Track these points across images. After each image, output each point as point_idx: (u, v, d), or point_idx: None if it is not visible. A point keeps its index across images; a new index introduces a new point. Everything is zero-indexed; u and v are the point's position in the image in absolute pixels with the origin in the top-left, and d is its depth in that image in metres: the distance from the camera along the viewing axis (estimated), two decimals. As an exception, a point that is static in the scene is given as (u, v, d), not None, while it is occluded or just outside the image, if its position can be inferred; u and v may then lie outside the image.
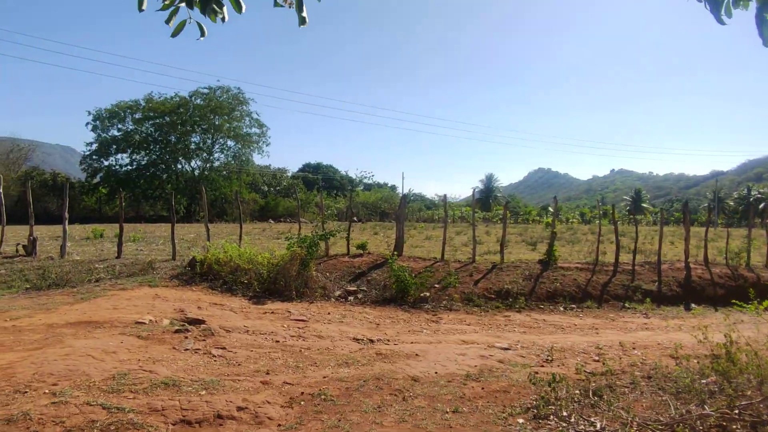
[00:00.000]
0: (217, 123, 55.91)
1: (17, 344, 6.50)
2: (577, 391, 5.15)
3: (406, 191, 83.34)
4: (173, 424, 4.23)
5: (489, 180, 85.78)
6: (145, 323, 7.74)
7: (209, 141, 57.90)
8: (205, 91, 55.89)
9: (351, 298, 11.37)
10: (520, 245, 21.02)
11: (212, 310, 9.25)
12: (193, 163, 57.89)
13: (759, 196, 68.39)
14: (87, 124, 53.82)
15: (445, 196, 16.70)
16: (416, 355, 6.94)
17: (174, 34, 2.72)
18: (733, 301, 6.15)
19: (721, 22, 2.47)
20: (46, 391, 4.74)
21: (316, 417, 4.50)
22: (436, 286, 11.96)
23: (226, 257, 11.76)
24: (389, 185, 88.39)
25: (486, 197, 78.69)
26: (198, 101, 55.74)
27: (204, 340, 7.04)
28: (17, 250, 14.45)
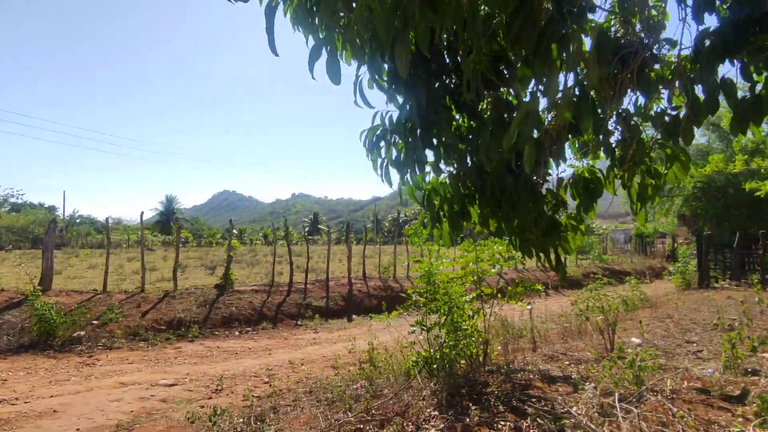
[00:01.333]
0: None
1: None
2: (241, 420, 4.99)
3: (69, 213, 71.95)
4: None
5: (170, 202, 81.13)
6: None
7: None
8: None
9: (-31, 350, 8.83)
10: (198, 270, 20.25)
11: None
12: None
13: (405, 218, 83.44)
14: None
15: (107, 219, 14.70)
16: (54, 411, 5.73)
17: None
18: (371, 315, 6.92)
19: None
20: None
21: None
22: (94, 322, 10.34)
23: None
24: (46, 206, 74.77)
25: (166, 220, 74.11)
26: None
27: None
28: None
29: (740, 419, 3.85)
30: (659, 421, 3.65)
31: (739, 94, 2.20)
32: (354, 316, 13.88)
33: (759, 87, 2.04)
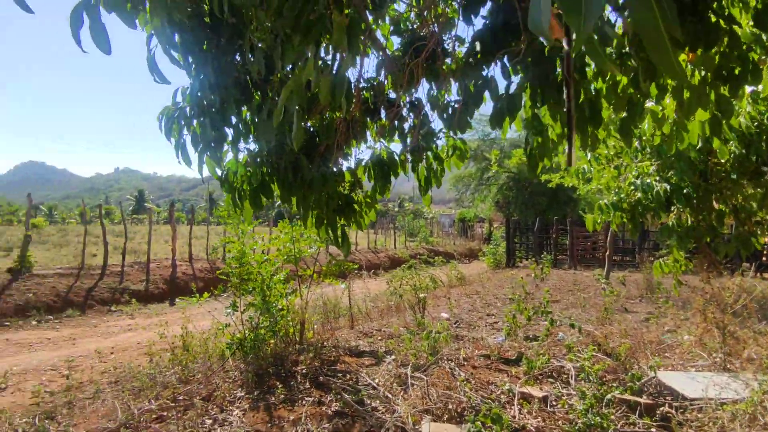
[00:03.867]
0: None
1: None
2: (24, 421, 4.41)
3: None
4: None
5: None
6: None
7: None
8: None
9: None
10: (-11, 252, 17.45)
11: None
12: None
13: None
14: None
15: None
16: None
17: None
18: (180, 297, 6.59)
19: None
20: None
21: None
22: None
23: None
24: None
25: (-50, 193, 62.52)
26: None
27: None
28: None
29: (511, 378, 4.42)
30: (445, 386, 4.03)
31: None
32: (177, 300, 13.09)
33: (513, 86, 2.31)
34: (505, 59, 2.37)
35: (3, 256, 16.10)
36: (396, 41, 3.11)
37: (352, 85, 2.45)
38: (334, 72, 1.97)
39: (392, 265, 21.32)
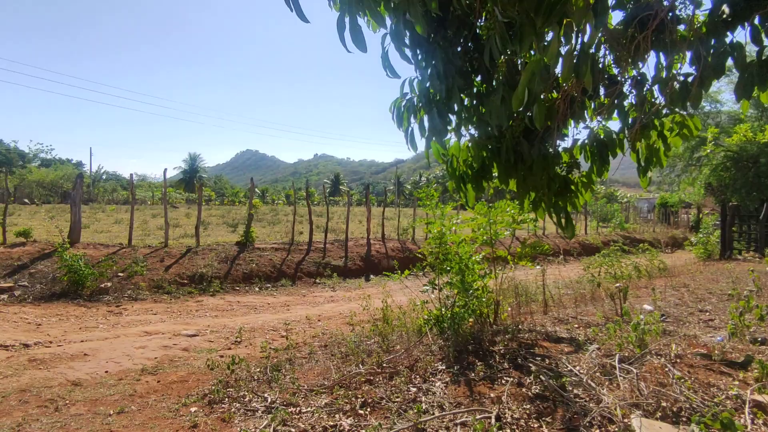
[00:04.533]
0: None
1: None
2: (258, 370, 5.23)
3: (95, 169, 73.37)
4: None
5: (193, 160, 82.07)
6: None
7: None
8: None
9: (4, 296, 9.31)
10: (220, 227, 20.67)
11: None
12: None
13: (427, 181, 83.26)
14: None
15: (131, 175, 15.16)
16: (85, 354, 6.07)
17: None
18: (385, 272, 7.07)
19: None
20: None
21: None
22: (120, 274, 10.76)
23: None
24: (74, 162, 76.24)
25: (190, 178, 75.17)
26: None
27: None
28: None
29: (740, 384, 3.92)
30: (658, 381, 3.75)
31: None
32: (372, 276, 14.13)
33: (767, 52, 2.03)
34: (757, 21, 2.10)
35: (230, 232, 18.99)
36: (617, 16, 2.94)
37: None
38: (576, 50, 1.95)
39: (583, 252, 20.19)
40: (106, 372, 5.43)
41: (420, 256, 6.35)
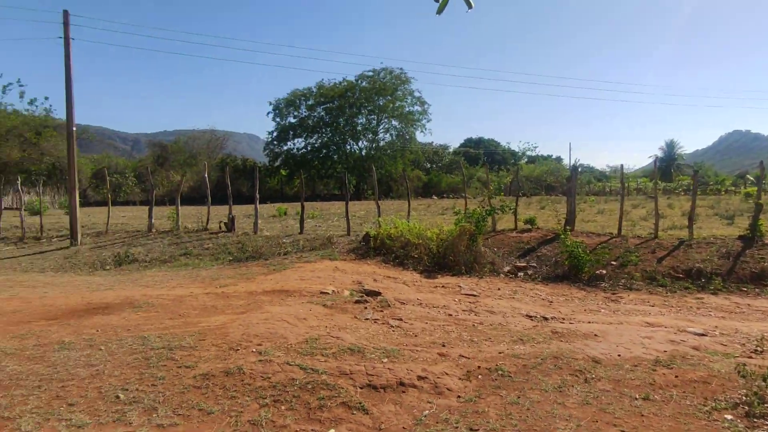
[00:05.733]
0: (381, 104, 58.42)
1: (227, 308, 7.56)
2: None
3: (572, 162, 78.41)
4: (360, 388, 4.58)
5: (670, 147, 76.85)
6: (328, 293, 8.46)
7: (374, 122, 60.72)
8: (370, 74, 58.55)
9: (521, 274, 11.13)
10: (711, 219, 18.56)
11: (386, 283, 9.76)
12: (360, 144, 61.33)
13: None
14: (268, 113, 60.37)
15: (621, 166, 15.46)
16: (595, 335, 6.59)
17: (439, 11, 3.11)
18: None
19: None
20: (253, 350, 5.44)
21: (494, 392, 4.53)
22: (613, 263, 11.15)
23: (396, 233, 12.28)
24: (554, 157, 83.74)
25: (667, 166, 70.68)
26: (363, 84, 58.63)
27: (381, 311, 7.48)
28: (220, 227, 16.72)
29: None
30: None
31: None
32: None
33: None
34: None
35: (725, 224, 16.78)
36: None
37: None
38: None
39: None
40: (619, 356, 5.72)
41: None
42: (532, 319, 7.53)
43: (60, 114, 41.99)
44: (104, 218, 18.19)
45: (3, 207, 18.91)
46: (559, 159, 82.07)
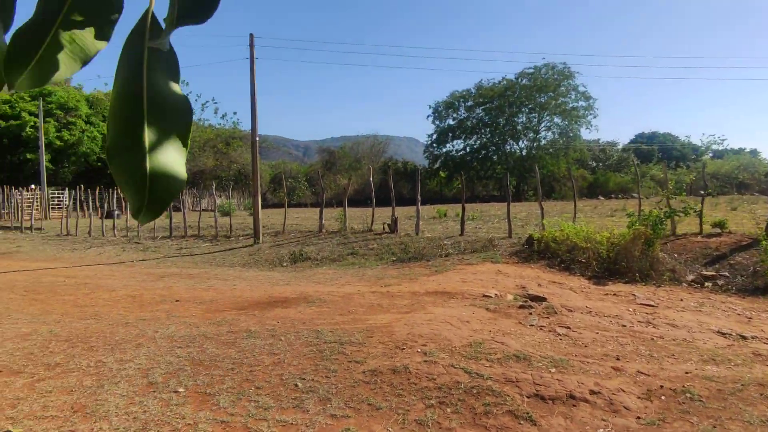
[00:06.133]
0: (542, 101, 56.04)
1: (392, 307, 7.82)
2: None
3: None
4: (527, 397, 4.41)
5: None
6: (491, 297, 8.32)
7: (535, 120, 58.49)
8: (531, 71, 56.43)
9: (708, 284, 9.82)
10: None
11: (552, 288, 9.31)
12: (520, 143, 59.52)
13: None
14: (428, 116, 61.45)
15: None
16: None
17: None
18: None
19: None
20: (418, 350, 5.55)
21: (682, 416, 4.04)
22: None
23: (562, 235, 11.65)
24: (747, 150, 72.52)
25: None
26: (524, 82, 56.78)
27: (547, 317, 7.14)
28: (383, 228, 17.41)
29: None
30: None
31: None
32: None
33: None
34: None
35: None
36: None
37: None
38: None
39: None
40: None
41: None
42: (725, 337, 6.59)
43: (245, 126, 47.68)
44: (281, 219, 20.05)
45: (201, 208, 21.86)
46: (754, 152, 70.95)
